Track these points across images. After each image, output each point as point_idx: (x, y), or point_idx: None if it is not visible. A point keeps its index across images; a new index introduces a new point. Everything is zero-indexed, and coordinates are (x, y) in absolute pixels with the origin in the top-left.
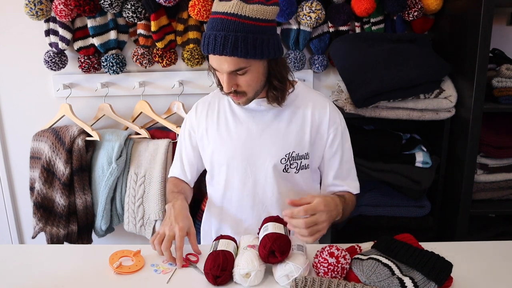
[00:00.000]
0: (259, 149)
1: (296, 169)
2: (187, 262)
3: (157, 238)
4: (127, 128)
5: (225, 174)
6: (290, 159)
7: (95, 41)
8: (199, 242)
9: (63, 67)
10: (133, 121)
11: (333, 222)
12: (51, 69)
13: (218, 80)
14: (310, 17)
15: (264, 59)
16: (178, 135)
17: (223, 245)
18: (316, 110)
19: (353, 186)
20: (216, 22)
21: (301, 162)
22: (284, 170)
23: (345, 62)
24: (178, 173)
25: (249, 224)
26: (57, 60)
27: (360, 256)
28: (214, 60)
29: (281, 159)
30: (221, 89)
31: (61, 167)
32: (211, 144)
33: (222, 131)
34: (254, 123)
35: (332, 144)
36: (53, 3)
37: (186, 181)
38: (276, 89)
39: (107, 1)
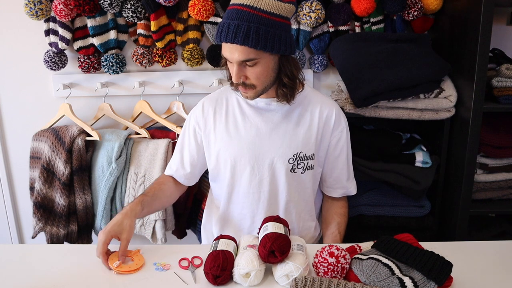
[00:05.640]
0: (267, 149)
1: (303, 169)
2: (188, 264)
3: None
4: (127, 128)
5: (231, 172)
6: (298, 159)
7: (95, 41)
8: (200, 242)
9: (63, 67)
10: (133, 121)
11: None
12: (51, 69)
13: (230, 74)
14: (310, 17)
15: (274, 54)
16: (178, 135)
17: (223, 245)
18: (324, 112)
19: (353, 186)
20: (231, 12)
21: (307, 162)
22: (292, 170)
23: (345, 62)
24: (175, 167)
25: (252, 223)
26: (57, 60)
27: (360, 256)
28: (226, 49)
29: (289, 159)
30: (231, 83)
31: (61, 167)
32: (218, 141)
33: (230, 129)
34: (263, 122)
35: (336, 146)
36: (53, 3)
37: (183, 174)
38: (285, 86)
39: (107, 1)
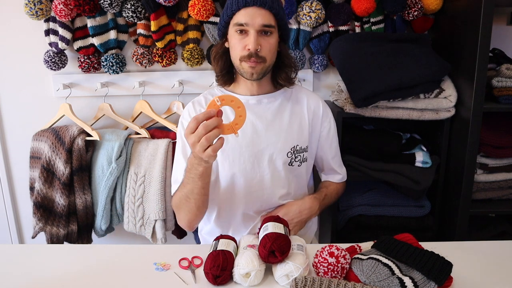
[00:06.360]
0: (265, 145)
1: (300, 162)
2: (188, 264)
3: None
4: (127, 128)
5: (231, 172)
6: (295, 152)
7: (95, 40)
8: (198, 242)
9: (63, 67)
10: (133, 121)
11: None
12: (51, 69)
13: (221, 69)
14: (310, 17)
15: (279, 33)
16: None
17: (223, 244)
18: (311, 105)
19: (344, 173)
20: None
21: (303, 155)
22: (290, 164)
23: (345, 62)
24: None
25: (256, 221)
26: (57, 60)
27: (360, 256)
28: (247, 14)
29: (287, 153)
30: (222, 83)
31: (61, 167)
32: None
33: None
34: (258, 120)
35: (327, 136)
36: (53, 3)
37: None
38: (288, 66)
39: (107, 1)
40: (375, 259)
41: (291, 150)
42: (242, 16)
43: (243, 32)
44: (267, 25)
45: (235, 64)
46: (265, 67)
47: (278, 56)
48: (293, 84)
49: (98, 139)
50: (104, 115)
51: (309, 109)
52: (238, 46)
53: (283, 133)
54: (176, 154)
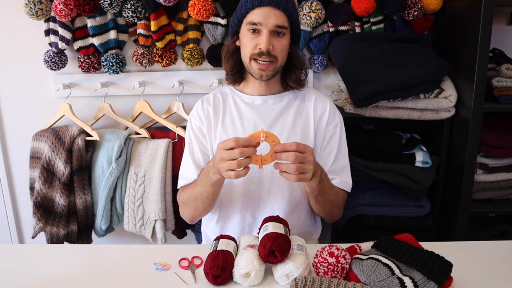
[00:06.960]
0: (266, 145)
1: None
2: (188, 264)
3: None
4: (127, 128)
5: None
6: None
7: (95, 40)
8: (199, 242)
9: (63, 67)
10: (133, 121)
11: (312, 188)
12: (51, 69)
13: (231, 67)
14: (310, 17)
15: (291, 36)
16: (178, 135)
17: (223, 244)
18: (318, 107)
19: (344, 183)
20: None
21: None
22: None
23: (345, 62)
24: (194, 174)
25: (253, 220)
26: (57, 60)
27: (360, 256)
28: (261, 13)
29: None
30: (232, 81)
31: (61, 167)
32: (217, 140)
33: (227, 128)
34: (261, 119)
35: (330, 141)
36: (53, 3)
37: None
38: (298, 68)
39: (107, 1)
40: (375, 259)
41: None
42: (256, 15)
43: (255, 31)
44: (280, 26)
45: (244, 62)
46: (276, 67)
47: (288, 58)
48: (303, 87)
49: (98, 139)
50: (104, 115)
51: (316, 111)
52: (250, 45)
53: (285, 134)
54: (184, 152)
